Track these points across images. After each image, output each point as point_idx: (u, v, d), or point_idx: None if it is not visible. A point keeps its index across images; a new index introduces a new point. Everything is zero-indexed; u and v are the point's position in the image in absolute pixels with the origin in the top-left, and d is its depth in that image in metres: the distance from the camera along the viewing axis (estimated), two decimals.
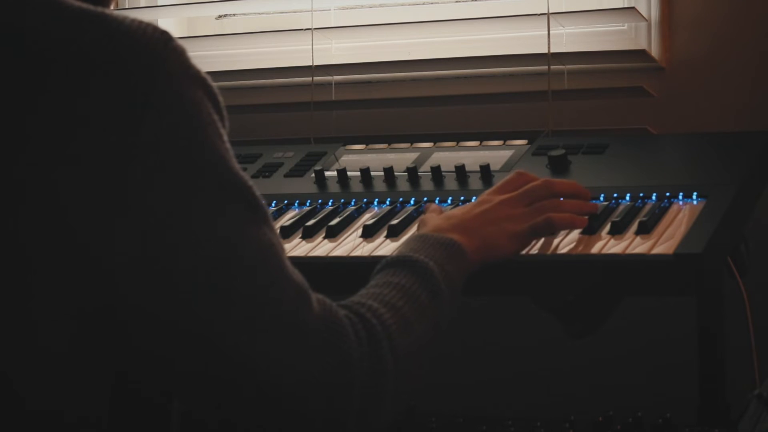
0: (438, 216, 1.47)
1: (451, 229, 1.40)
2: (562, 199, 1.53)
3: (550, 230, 1.48)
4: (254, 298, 1.05)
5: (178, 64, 1.05)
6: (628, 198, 1.63)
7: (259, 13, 2.42)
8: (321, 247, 1.63)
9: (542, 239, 1.50)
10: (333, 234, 1.65)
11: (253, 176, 1.93)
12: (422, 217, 1.52)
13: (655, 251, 1.45)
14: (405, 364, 1.16)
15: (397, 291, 1.22)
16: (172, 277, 1.03)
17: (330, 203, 1.78)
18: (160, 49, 1.04)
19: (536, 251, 1.49)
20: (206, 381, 1.06)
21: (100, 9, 1.05)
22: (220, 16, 2.44)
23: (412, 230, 1.62)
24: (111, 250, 1.01)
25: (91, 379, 1.05)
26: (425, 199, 1.73)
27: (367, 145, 1.97)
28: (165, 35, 1.05)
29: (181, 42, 1.06)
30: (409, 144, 1.95)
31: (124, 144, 1.01)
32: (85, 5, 1.05)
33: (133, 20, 1.05)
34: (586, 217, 1.53)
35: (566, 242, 1.51)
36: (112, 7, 1.20)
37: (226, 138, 1.09)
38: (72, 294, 1.01)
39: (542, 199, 1.50)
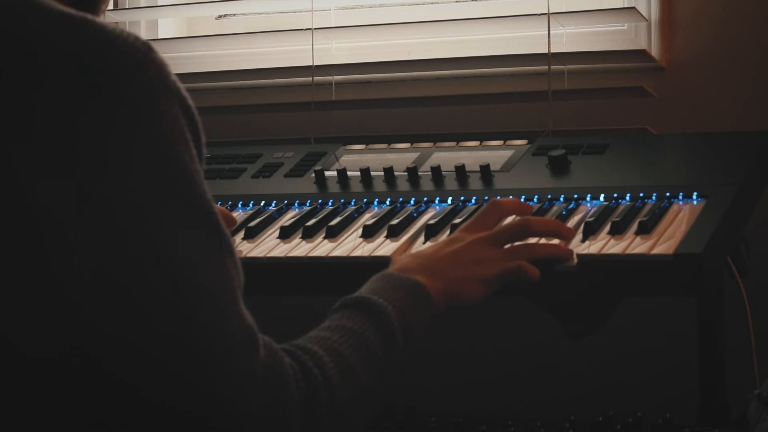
0: (407, 255, 1.42)
1: (418, 269, 1.34)
2: (539, 239, 1.49)
3: (521, 278, 1.41)
4: (205, 331, 1.02)
5: (156, 75, 1.02)
6: (628, 198, 1.63)
7: (259, 13, 2.42)
8: (321, 247, 1.63)
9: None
10: (333, 234, 1.65)
11: (253, 176, 1.93)
12: (395, 257, 1.47)
13: (655, 251, 1.45)
14: (342, 415, 1.12)
15: (348, 337, 1.17)
16: (127, 294, 1.00)
17: (330, 203, 1.78)
18: (140, 59, 1.02)
19: None
20: (149, 403, 1.02)
21: (81, 14, 1.03)
22: (220, 16, 2.44)
23: (412, 230, 1.63)
24: (71, 259, 0.99)
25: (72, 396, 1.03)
26: (425, 198, 1.73)
27: (367, 145, 1.97)
28: (146, 45, 1.03)
29: (163, 56, 1.04)
30: (409, 144, 1.95)
31: (92, 149, 0.99)
32: (66, 9, 1.03)
33: (116, 27, 1.03)
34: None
35: (566, 242, 1.51)
36: (103, 8, 1.19)
37: (197, 159, 1.05)
38: (51, 307, 1.00)
39: (517, 239, 1.45)
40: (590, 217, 1.56)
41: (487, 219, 1.47)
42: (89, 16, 1.03)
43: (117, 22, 2.22)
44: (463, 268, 1.38)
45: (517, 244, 1.44)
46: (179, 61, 2.31)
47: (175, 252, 1.01)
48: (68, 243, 0.99)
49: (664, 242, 1.46)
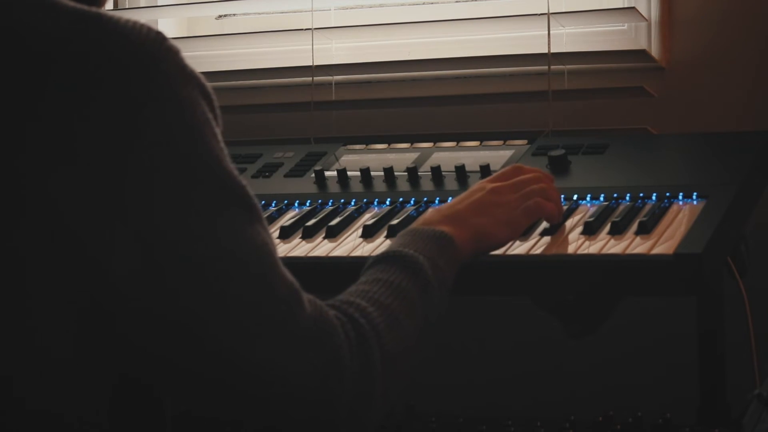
0: (430, 210, 1.47)
1: (442, 221, 1.39)
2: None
3: (541, 213, 1.50)
4: (248, 297, 1.06)
5: (173, 63, 1.05)
6: (628, 198, 1.63)
7: (259, 13, 2.41)
8: (321, 247, 1.63)
9: (543, 239, 1.51)
10: (333, 234, 1.65)
11: (253, 176, 1.93)
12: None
13: (655, 251, 1.45)
14: (394, 362, 1.16)
15: (386, 288, 1.22)
16: (169, 276, 1.03)
17: (330, 203, 1.78)
18: (156, 49, 1.04)
19: (536, 251, 1.50)
20: (200, 377, 1.07)
21: (95, 9, 1.05)
22: (220, 16, 2.44)
23: None
24: (108, 249, 1.02)
25: (92, 379, 1.05)
26: (425, 199, 1.73)
27: (367, 145, 1.98)
28: (159, 35, 1.05)
29: (176, 42, 1.06)
30: (409, 144, 1.95)
31: (120, 144, 1.02)
32: (80, 6, 1.05)
33: (128, 20, 1.05)
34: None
35: (566, 242, 1.51)
36: (105, 7, 1.20)
37: (220, 138, 1.09)
38: (70, 294, 1.02)
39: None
40: (590, 217, 1.56)
41: (507, 174, 1.53)
42: (101, 11, 1.05)
43: None
44: (485, 214, 1.44)
45: (532, 186, 1.50)
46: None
47: (212, 231, 1.05)
48: (106, 238, 1.01)
49: (664, 242, 1.46)
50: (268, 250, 1.09)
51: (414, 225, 1.40)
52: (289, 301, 1.09)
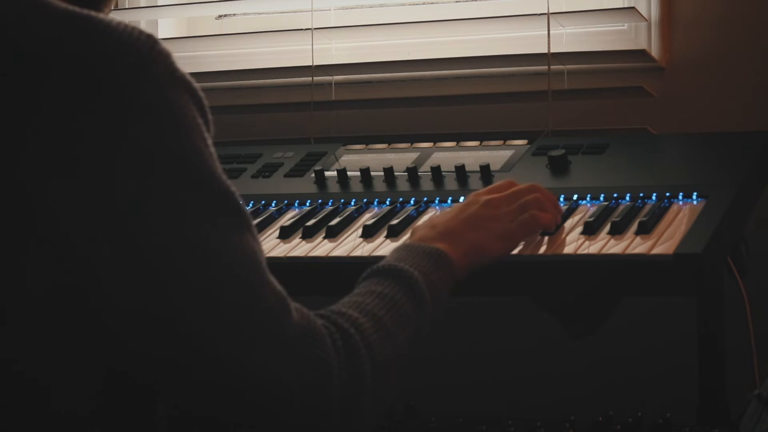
0: (425, 225, 1.46)
1: (437, 237, 1.39)
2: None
3: (536, 226, 1.49)
4: (236, 303, 1.06)
5: (163, 67, 1.05)
6: (628, 198, 1.63)
7: (259, 13, 2.42)
8: (321, 247, 1.63)
9: (543, 239, 1.51)
10: (333, 234, 1.65)
11: (253, 176, 1.93)
12: (415, 226, 1.52)
13: (655, 251, 1.45)
14: (384, 373, 1.16)
15: (379, 300, 1.21)
16: (157, 281, 1.03)
17: (330, 203, 1.78)
18: (146, 52, 1.04)
19: (536, 251, 1.49)
20: (187, 381, 1.06)
21: (86, 11, 1.05)
22: (220, 16, 2.44)
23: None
24: (98, 252, 1.01)
25: (83, 376, 1.05)
26: (425, 199, 1.73)
27: (367, 145, 1.97)
28: (151, 38, 1.05)
29: (173, 43, 1.06)
30: (409, 144, 1.95)
31: (110, 145, 1.01)
32: (71, 7, 1.05)
33: (119, 23, 1.05)
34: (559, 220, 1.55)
35: (566, 242, 1.51)
36: (107, 11, 1.20)
37: (210, 142, 1.09)
38: (61, 291, 1.02)
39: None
40: (590, 217, 1.56)
41: (500, 187, 1.52)
42: (93, 13, 1.05)
43: None
44: (480, 229, 1.43)
45: (526, 197, 1.50)
46: (179, 61, 2.30)
47: (201, 237, 1.04)
48: (96, 240, 1.01)
49: (664, 242, 1.46)
50: (257, 258, 1.09)
51: (409, 241, 1.40)
52: (277, 309, 1.08)
